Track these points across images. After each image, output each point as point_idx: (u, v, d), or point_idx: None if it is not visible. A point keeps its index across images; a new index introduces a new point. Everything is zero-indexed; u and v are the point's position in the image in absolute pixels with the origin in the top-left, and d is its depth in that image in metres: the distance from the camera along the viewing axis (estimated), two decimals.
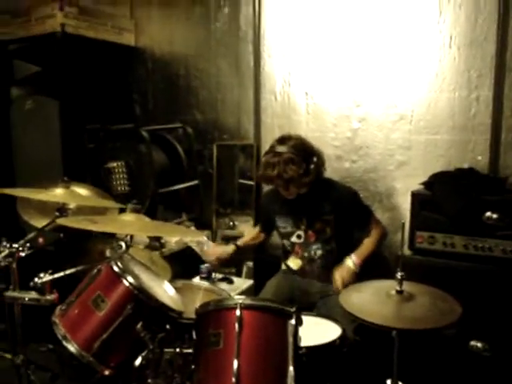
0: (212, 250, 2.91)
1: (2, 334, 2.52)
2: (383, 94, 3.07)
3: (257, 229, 3.03)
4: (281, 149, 2.53)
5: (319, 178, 2.65)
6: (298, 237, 2.71)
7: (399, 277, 1.89)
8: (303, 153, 2.55)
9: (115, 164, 3.36)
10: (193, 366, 1.74)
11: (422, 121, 2.97)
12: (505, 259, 2.37)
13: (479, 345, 2.40)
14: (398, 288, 1.89)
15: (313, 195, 2.64)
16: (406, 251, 2.58)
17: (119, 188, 3.34)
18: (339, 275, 2.52)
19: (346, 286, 2.40)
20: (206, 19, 3.66)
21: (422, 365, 2.41)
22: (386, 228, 2.79)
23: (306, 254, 2.71)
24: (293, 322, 1.72)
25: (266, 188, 3.10)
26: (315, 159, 2.58)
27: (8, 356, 2.50)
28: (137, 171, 3.38)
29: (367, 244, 2.65)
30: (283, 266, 2.89)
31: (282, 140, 2.59)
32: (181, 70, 3.81)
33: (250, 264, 3.41)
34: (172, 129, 3.76)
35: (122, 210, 2.67)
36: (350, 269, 2.54)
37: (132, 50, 3.98)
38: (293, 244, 2.73)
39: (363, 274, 2.49)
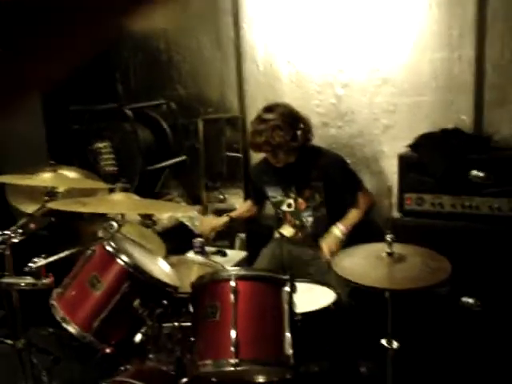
0: (206, 221, 2.93)
1: (2, 321, 2.54)
2: (365, 58, 3.05)
3: (249, 202, 3.05)
4: (267, 116, 2.57)
5: (307, 145, 2.67)
6: (289, 205, 2.74)
7: (389, 239, 1.93)
8: (290, 119, 2.58)
9: (101, 145, 3.34)
10: (192, 339, 1.77)
11: (406, 83, 2.97)
12: (492, 216, 2.41)
13: (470, 301, 2.45)
14: (389, 250, 1.93)
15: (301, 163, 2.66)
16: (396, 214, 2.61)
17: (107, 168, 3.33)
18: (326, 245, 2.55)
19: (333, 254, 2.44)
20: None
21: (415, 323, 2.46)
22: (373, 196, 2.81)
23: (297, 222, 2.74)
24: (287, 289, 1.75)
25: (255, 160, 3.10)
26: (302, 125, 2.61)
27: (9, 342, 2.53)
28: (123, 150, 3.37)
29: (354, 213, 2.67)
30: (276, 234, 2.92)
31: (269, 108, 2.63)
32: (161, 44, 3.76)
33: (243, 236, 3.43)
34: (156, 106, 3.74)
35: (111, 191, 2.68)
36: (336, 237, 2.57)
37: None
38: (284, 213, 2.76)
39: (354, 239, 2.52)
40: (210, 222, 2.93)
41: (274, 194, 2.77)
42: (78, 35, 0.27)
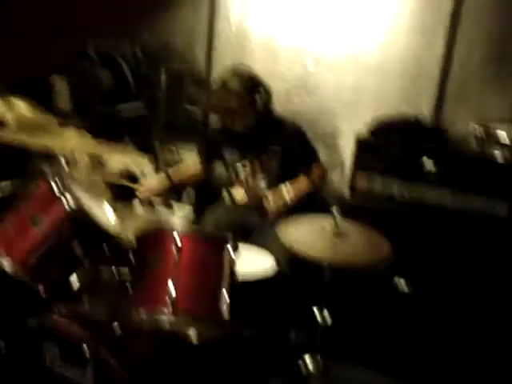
0: (146, 183, 2.87)
1: None
2: (338, 34, 3.04)
3: (197, 161, 3.00)
4: (226, 79, 2.59)
5: (268, 112, 2.66)
6: (244, 166, 2.74)
7: (336, 214, 1.96)
8: (249, 83, 2.58)
9: (57, 81, 3.22)
10: (128, 285, 1.76)
11: (374, 64, 2.98)
12: (438, 206, 2.48)
13: (402, 281, 2.54)
14: (334, 224, 1.96)
15: (261, 128, 2.66)
16: (346, 191, 2.65)
17: (60, 105, 3.22)
18: (271, 198, 2.56)
19: (277, 208, 2.49)
20: None
21: (349, 299, 2.53)
22: (327, 171, 2.83)
23: (249, 185, 2.75)
24: (229, 247, 1.77)
25: (214, 117, 3.06)
26: (261, 91, 2.59)
27: None
28: (79, 89, 3.25)
29: (304, 181, 2.68)
30: (225, 194, 2.91)
31: (230, 71, 2.63)
32: None
33: (191, 190, 3.39)
34: (119, 47, 3.59)
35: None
36: (283, 196, 2.58)
37: None
38: (238, 174, 2.76)
39: (301, 210, 2.55)
40: (150, 184, 2.87)
41: (231, 155, 2.76)
42: None
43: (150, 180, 2.90)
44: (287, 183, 2.61)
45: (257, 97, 2.59)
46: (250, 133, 2.66)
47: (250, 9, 3.25)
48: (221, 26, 3.36)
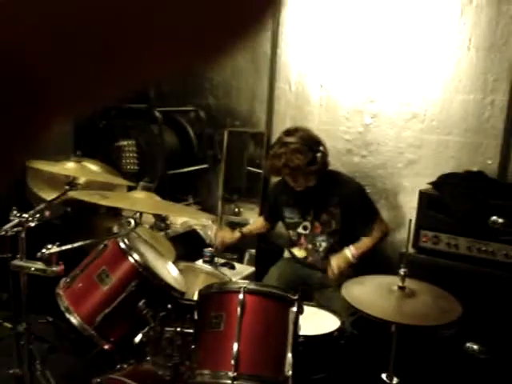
0: (219, 234, 2.94)
1: (5, 304, 2.54)
2: (397, 91, 3.06)
3: (261, 218, 3.05)
4: (287, 139, 2.60)
5: (327, 170, 2.68)
6: (305, 228, 2.74)
7: (402, 273, 1.91)
8: (309, 142, 2.60)
9: (126, 143, 3.37)
10: (192, 347, 1.76)
11: (435, 121, 2.97)
12: (507, 264, 2.38)
13: (475, 347, 2.41)
14: (401, 284, 1.91)
15: (320, 187, 2.66)
16: (410, 249, 2.59)
17: (128, 167, 3.36)
18: (335, 262, 2.54)
19: (340, 274, 2.44)
20: None
21: (418, 362, 2.42)
22: (389, 226, 2.79)
23: (310, 246, 2.73)
24: (294, 309, 1.74)
25: (274, 178, 3.11)
26: (321, 148, 2.62)
27: (8, 325, 2.53)
28: (147, 151, 3.39)
29: (367, 240, 2.65)
30: (286, 254, 2.91)
31: (289, 132, 2.66)
32: None
33: (253, 251, 3.42)
34: (185, 112, 3.76)
35: (130, 189, 2.69)
36: (346, 258, 2.56)
37: None
38: (299, 235, 2.76)
39: (366, 270, 2.50)
40: (223, 236, 2.93)
41: (290, 215, 2.77)
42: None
43: (223, 232, 2.96)
44: (351, 246, 2.59)
45: (318, 155, 2.61)
46: (310, 192, 2.67)
47: (308, 70, 3.34)
48: (281, 89, 3.45)
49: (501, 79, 2.77)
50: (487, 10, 2.78)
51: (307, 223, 2.72)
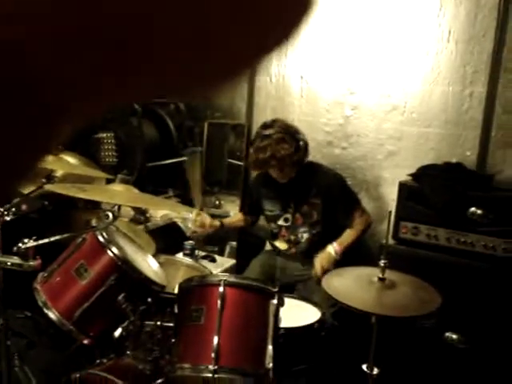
0: (200, 217, 2.89)
1: None
2: (377, 83, 3.07)
3: (241, 214, 3.04)
4: (268, 132, 2.57)
5: (306, 161, 2.67)
6: (286, 220, 2.73)
7: (382, 264, 1.91)
8: (290, 131, 2.60)
9: (105, 135, 3.32)
10: (173, 340, 1.75)
11: (415, 113, 2.99)
12: (485, 255, 2.40)
13: (454, 336, 2.44)
14: (381, 275, 1.91)
15: (301, 179, 2.66)
16: (390, 241, 2.60)
17: (107, 159, 3.31)
18: (319, 262, 2.54)
19: (325, 272, 2.43)
20: None
21: (398, 353, 2.44)
22: (371, 217, 2.80)
23: (292, 237, 2.73)
24: (275, 301, 1.74)
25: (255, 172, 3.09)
26: (302, 136, 2.61)
27: None
28: (126, 143, 3.34)
29: (350, 233, 2.66)
30: (268, 246, 2.91)
31: (267, 125, 2.63)
32: None
33: (234, 244, 3.41)
34: (164, 104, 3.72)
35: (108, 182, 2.65)
36: (330, 256, 2.56)
37: None
38: (280, 227, 2.75)
39: (346, 261, 2.51)
40: (203, 218, 2.89)
41: (271, 207, 2.76)
42: None
43: (204, 218, 2.93)
44: (334, 243, 2.58)
45: (300, 143, 2.59)
46: (291, 184, 2.67)
47: (288, 60, 3.32)
48: (261, 81, 3.44)
49: (480, 71, 2.79)
50: (466, 2, 2.79)
51: (288, 215, 2.72)
